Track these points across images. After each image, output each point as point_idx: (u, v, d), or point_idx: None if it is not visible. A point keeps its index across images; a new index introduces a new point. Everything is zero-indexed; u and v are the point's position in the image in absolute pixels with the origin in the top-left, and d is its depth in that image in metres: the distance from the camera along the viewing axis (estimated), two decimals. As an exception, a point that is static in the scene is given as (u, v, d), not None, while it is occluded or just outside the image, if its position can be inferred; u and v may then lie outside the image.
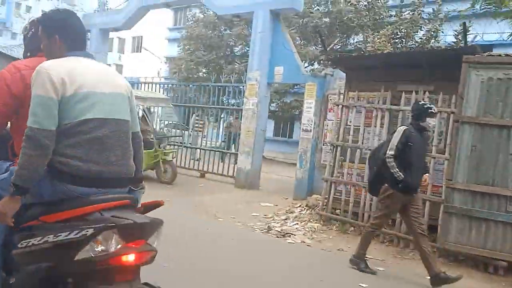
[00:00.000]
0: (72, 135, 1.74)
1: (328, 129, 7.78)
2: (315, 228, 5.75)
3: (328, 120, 7.78)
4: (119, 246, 1.63)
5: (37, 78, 1.73)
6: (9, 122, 1.96)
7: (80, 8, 32.77)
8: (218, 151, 9.99)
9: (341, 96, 6.11)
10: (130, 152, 1.93)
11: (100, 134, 1.79)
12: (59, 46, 1.93)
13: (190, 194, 7.70)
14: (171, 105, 9.31)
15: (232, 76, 9.63)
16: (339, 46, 16.84)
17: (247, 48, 16.09)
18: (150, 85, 11.29)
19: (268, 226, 5.76)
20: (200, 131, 11.17)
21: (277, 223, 6.04)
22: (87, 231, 1.59)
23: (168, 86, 12.21)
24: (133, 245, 1.68)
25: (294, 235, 5.46)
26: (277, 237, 5.38)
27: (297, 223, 5.99)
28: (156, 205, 2.02)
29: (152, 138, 9.10)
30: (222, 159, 9.64)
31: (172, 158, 9.14)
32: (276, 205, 7.28)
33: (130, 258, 1.67)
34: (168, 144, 9.29)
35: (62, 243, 1.63)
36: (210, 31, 15.70)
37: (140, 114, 10.18)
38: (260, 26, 8.35)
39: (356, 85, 5.95)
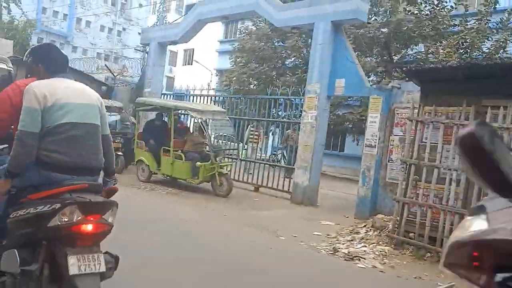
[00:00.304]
0: (53, 134, 2.33)
1: (394, 144, 7.35)
2: (385, 252, 5.33)
3: (394, 135, 7.35)
4: (80, 217, 2.20)
5: (26, 94, 2.35)
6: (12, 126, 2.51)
7: (136, 23, 34.20)
8: (275, 165, 9.73)
9: (415, 111, 5.69)
10: (98, 149, 2.51)
11: (74, 134, 2.37)
12: (43, 71, 2.55)
13: (247, 209, 7.50)
14: (227, 118, 9.21)
15: (289, 89, 9.41)
16: (397, 57, 16.27)
17: (300, 60, 15.93)
18: (202, 97, 11.37)
19: (334, 247, 5.42)
20: (255, 142, 11.00)
21: (343, 244, 5.68)
22: (56, 205, 2.18)
23: (221, 98, 12.20)
24: (91, 218, 2.24)
25: (364, 258, 5.08)
26: (345, 259, 5.02)
27: (365, 245, 5.59)
28: (113, 190, 2.60)
29: (208, 151, 9.06)
30: (287, 173, 9.39)
31: (228, 171, 9.02)
32: (338, 224, 6.91)
33: (89, 227, 2.23)
34: (224, 157, 9.18)
35: (39, 214, 2.21)
36: (263, 43, 15.66)
37: (196, 127, 10.24)
38: (320, 37, 8.10)
39: (432, 99, 5.51)
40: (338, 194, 10.75)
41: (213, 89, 21.42)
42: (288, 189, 8.95)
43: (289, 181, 9.07)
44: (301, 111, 9.73)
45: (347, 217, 7.57)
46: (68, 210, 2.19)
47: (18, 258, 2.20)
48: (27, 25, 23.44)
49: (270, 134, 15.59)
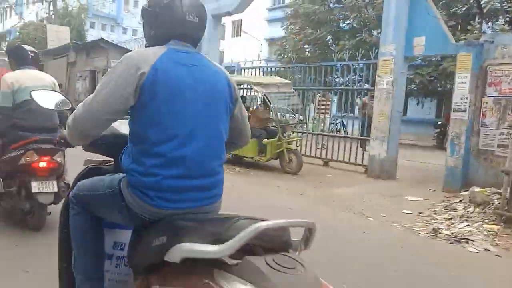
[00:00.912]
0: (19, 108, 3.67)
1: (488, 107, 6.49)
2: (495, 232, 4.67)
3: (488, 96, 6.48)
4: (36, 158, 3.54)
5: (2, 82, 3.71)
6: None
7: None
8: (348, 137, 9.09)
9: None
10: (52, 116, 3.82)
11: (32, 107, 3.47)
12: (14, 64, 3.96)
13: (322, 186, 7.04)
14: (293, 90, 8.66)
15: (347, 53, 8.64)
16: (464, 9, 14.72)
17: (359, 21, 14.84)
18: (251, 70, 10.88)
19: (433, 228, 4.84)
20: (327, 113, 10.35)
21: (441, 223, 5.08)
22: (21, 151, 3.56)
23: (275, 69, 11.57)
24: (44, 158, 3.57)
25: (472, 240, 4.47)
26: (451, 243, 4.44)
27: (468, 225, 4.96)
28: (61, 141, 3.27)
29: (273, 126, 8.62)
30: (362, 146, 8.77)
31: (297, 146, 8.56)
32: (427, 200, 6.28)
33: (43, 164, 3.56)
34: (292, 132, 8.69)
35: (13, 157, 3.60)
36: (317, 6, 14.69)
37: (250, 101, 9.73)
38: (395, -9, 7.22)
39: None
40: (414, 164, 9.98)
41: (263, 59, 20.81)
42: (362, 162, 8.37)
43: (362, 154, 8.47)
44: (360, 77, 9.02)
45: (434, 190, 6.91)
46: (29, 153, 3.56)
47: (2, 184, 3.70)
48: (81, 10, 23.84)
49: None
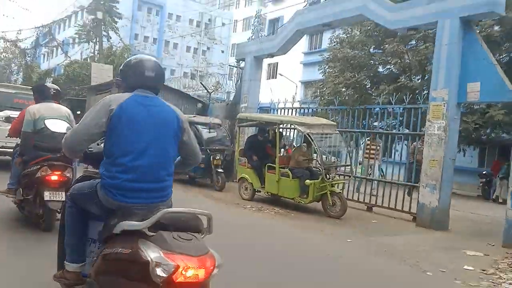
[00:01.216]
0: (39, 133, 4.56)
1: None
2: None
3: (552, 146, 6.07)
4: (50, 173, 4.42)
5: (26, 113, 4.64)
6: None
7: (219, 41, 35.23)
8: (394, 183, 8.73)
9: None
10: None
11: (49, 133, 4.54)
12: (37, 98, 4.91)
13: (369, 233, 6.66)
14: (337, 131, 8.49)
15: (392, 98, 8.45)
16: (507, 58, 14.42)
17: (398, 67, 14.72)
18: (289, 110, 10.92)
19: (503, 289, 4.39)
20: (372, 158, 10.03)
21: (510, 284, 4.61)
22: (37, 167, 4.46)
23: (312, 110, 11.52)
24: (56, 172, 4.45)
25: (549, 306, 4.00)
26: (526, 307, 3.99)
27: (542, 287, 4.47)
28: (69, 159, 4.41)
29: (315, 167, 8.40)
30: (409, 194, 8.39)
31: (341, 190, 8.25)
32: (487, 255, 5.79)
33: (55, 178, 4.44)
34: (336, 174, 8.41)
35: (31, 171, 4.51)
36: (357, 51, 14.74)
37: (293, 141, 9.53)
38: (446, 37, 7.08)
39: None
40: (463, 214, 9.39)
41: (298, 101, 20.88)
42: (409, 210, 7.95)
43: (410, 200, 8.06)
44: (400, 121, 8.70)
45: (493, 245, 6.39)
46: (44, 169, 4.39)
47: (22, 192, 4.62)
48: (124, 50, 24.96)
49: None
